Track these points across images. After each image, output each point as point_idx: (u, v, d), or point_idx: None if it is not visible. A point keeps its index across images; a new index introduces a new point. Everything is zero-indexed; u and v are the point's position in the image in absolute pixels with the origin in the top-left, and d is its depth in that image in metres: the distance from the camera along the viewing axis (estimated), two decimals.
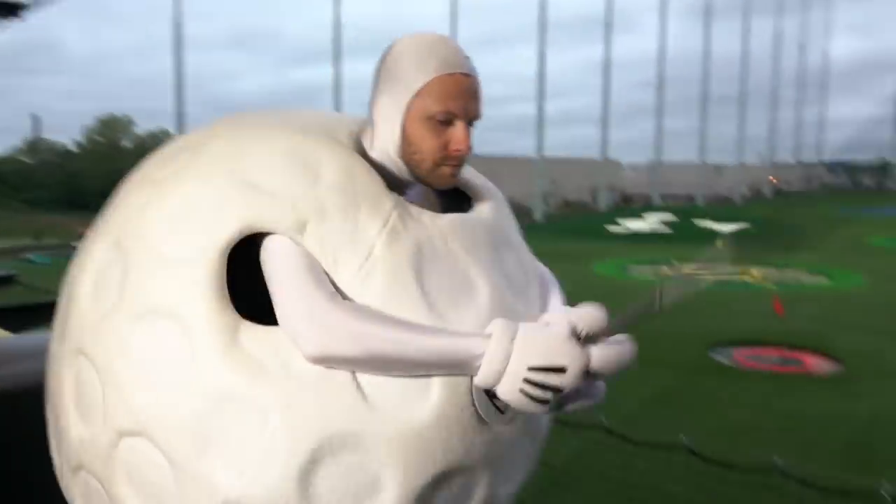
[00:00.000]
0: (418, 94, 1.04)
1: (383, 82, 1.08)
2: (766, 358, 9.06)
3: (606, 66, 39.52)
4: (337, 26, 30.50)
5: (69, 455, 1.10)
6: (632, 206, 48.01)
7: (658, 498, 4.29)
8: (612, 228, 29.67)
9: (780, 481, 4.36)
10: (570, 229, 29.46)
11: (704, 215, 36.27)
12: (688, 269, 18.46)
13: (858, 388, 7.63)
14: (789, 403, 6.44)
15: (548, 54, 35.99)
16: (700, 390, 6.55)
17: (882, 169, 77.69)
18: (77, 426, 1.07)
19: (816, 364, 8.83)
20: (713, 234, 27.59)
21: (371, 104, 1.11)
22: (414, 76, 1.04)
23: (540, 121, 37.28)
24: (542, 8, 34.92)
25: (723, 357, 9.15)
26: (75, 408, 1.07)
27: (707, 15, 46.29)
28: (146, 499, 1.01)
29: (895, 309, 12.09)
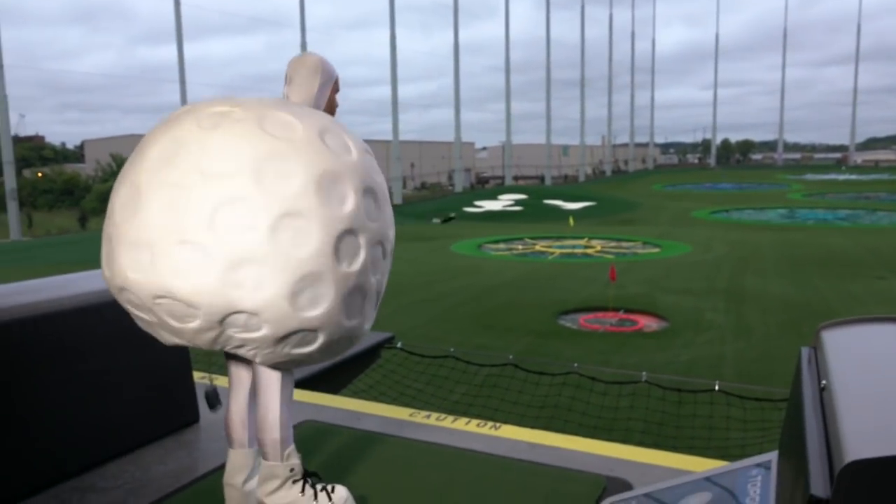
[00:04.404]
0: (336, 82, 2.16)
1: (324, 74, 2.09)
2: (605, 321, 10.14)
3: (456, 50, 40.66)
4: (177, 5, 28.99)
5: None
6: (486, 187, 49.77)
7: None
8: (468, 210, 30.82)
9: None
10: (428, 212, 30.23)
11: (553, 194, 38.51)
12: (539, 245, 19.78)
13: (680, 341, 8.83)
14: (623, 356, 7.39)
15: (407, 38, 36.25)
16: (549, 350, 7.37)
17: (705, 148, 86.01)
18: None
19: (647, 323, 10.04)
20: (561, 212, 29.49)
21: (304, 84, 2.07)
22: (334, 74, 2.14)
23: (394, 105, 37.69)
24: None
25: (569, 323, 10.13)
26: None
27: (548, 4, 48.76)
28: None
29: (710, 273, 13.82)
